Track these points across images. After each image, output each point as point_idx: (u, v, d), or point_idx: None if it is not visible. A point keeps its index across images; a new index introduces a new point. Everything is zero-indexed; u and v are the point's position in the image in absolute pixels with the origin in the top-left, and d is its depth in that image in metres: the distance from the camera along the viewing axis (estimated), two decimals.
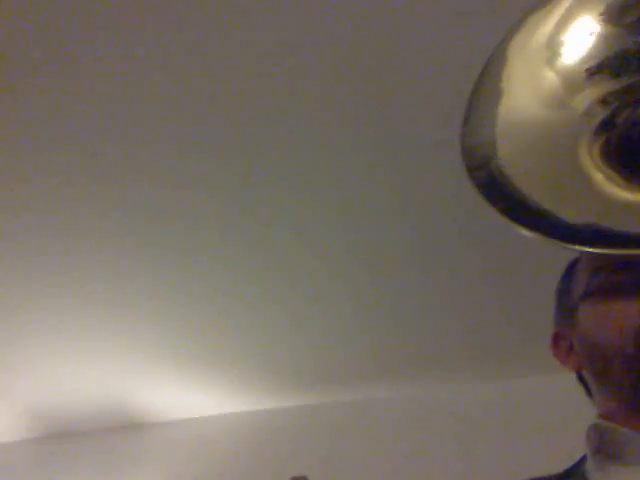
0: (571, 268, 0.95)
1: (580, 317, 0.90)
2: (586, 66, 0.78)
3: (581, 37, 0.78)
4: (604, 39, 0.78)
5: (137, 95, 1.78)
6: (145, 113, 1.83)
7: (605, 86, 0.78)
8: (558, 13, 0.79)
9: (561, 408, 2.20)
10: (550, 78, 0.79)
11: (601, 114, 0.77)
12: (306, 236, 2.24)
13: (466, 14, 1.57)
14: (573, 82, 0.78)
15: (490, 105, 0.79)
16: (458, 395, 2.90)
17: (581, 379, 0.94)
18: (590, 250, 0.72)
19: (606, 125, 0.76)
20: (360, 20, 1.60)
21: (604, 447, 0.85)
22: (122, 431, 3.21)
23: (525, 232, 0.70)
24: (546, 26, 0.79)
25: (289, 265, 2.36)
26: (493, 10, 1.54)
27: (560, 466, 0.93)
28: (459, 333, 2.64)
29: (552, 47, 0.79)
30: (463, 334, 2.65)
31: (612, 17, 0.77)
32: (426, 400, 2.95)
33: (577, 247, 0.72)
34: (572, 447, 0.94)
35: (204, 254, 2.31)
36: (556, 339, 0.96)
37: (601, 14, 0.78)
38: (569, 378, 0.97)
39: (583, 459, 0.90)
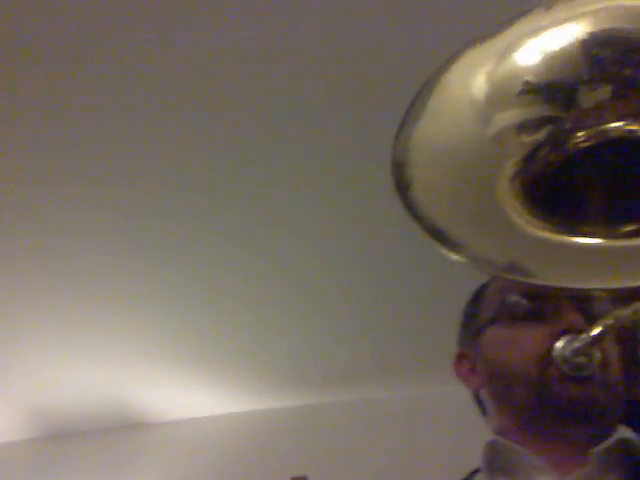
0: (478, 293, 0.99)
1: (485, 340, 0.93)
2: (525, 78, 0.76)
3: (532, 52, 0.77)
4: (553, 62, 0.76)
5: (138, 96, 1.78)
6: (146, 113, 1.83)
7: (529, 110, 0.77)
8: (522, 29, 0.78)
9: None
10: (482, 83, 0.77)
11: (516, 145, 0.75)
12: (306, 237, 2.24)
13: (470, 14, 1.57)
14: (505, 92, 0.77)
15: (413, 123, 0.78)
16: (458, 395, 2.89)
17: (477, 398, 1.00)
18: (507, 276, 0.72)
19: (526, 159, 0.76)
20: (360, 23, 1.60)
21: (498, 463, 0.90)
22: (122, 431, 3.21)
23: (451, 256, 0.71)
24: (502, 38, 0.78)
25: (289, 265, 2.36)
26: (497, 14, 1.54)
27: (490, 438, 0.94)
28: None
29: (504, 53, 0.78)
30: None
31: (573, 46, 0.76)
32: (426, 400, 2.95)
33: (497, 273, 0.73)
34: None
35: (204, 255, 2.31)
36: (459, 358, 1.01)
37: (565, 39, 0.76)
38: None
39: (475, 472, 0.96)
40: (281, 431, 3.06)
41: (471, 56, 0.79)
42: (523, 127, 0.77)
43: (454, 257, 0.70)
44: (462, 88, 0.78)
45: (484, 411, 0.98)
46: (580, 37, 0.76)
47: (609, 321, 0.72)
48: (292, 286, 2.45)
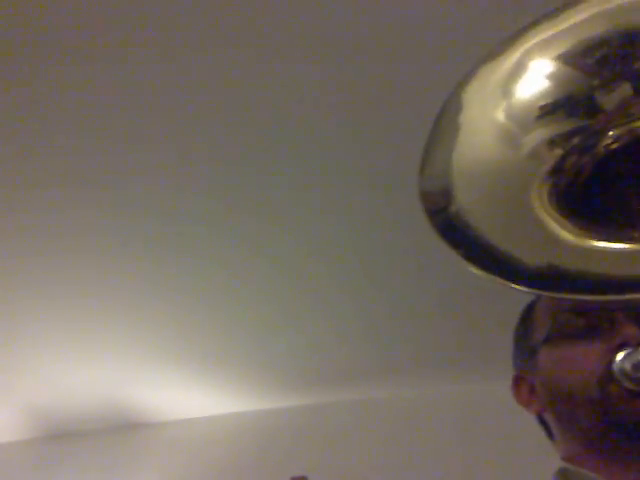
0: (528, 312, 0.95)
1: (541, 361, 0.90)
2: (539, 104, 0.78)
3: (537, 77, 0.78)
4: (559, 80, 0.78)
5: (138, 96, 1.78)
6: (146, 114, 1.83)
7: (555, 127, 0.78)
8: (514, 57, 0.79)
9: None
10: (503, 117, 0.79)
11: (550, 158, 0.76)
12: (306, 237, 2.24)
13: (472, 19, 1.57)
14: (525, 120, 0.78)
15: (446, 150, 0.78)
16: (458, 395, 2.90)
17: (542, 421, 0.94)
18: (551, 295, 0.72)
19: (555, 171, 0.76)
20: (362, 29, 1.60)
21: None
22: (122, 431, 3.21)
23: (487, 277, 0.70)
24: (502, 69, 0.80)
25: (289, 266, 2.36)
26: (499, 20, 1.54)
27: (559, 465, 0.92)
28: (459, 333, 2.64)
29: (507, 87, 0.79)
30: (463, 334, 2.65)
31: (569, 60, 0.78)
32: (426, 400, 2.95)
33: (538, 291, 0.72)
34: None
35: (204, 255, 2.31)
36: (517, 381, 0.96)
37: (558, 56, 0.78)
38: None
39: None
40: (281, 431, 3.06)
41: (480, 85, 0.80)
42: (553, 142, 0.77)
43: (495, 279, 0.69)
44: (483, 117, 0.79)
45: (551, 435, 0.93)
46: (577, 44, 0.77)
47: None
48: (292, 286, 2.45)
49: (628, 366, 0.77)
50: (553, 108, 0.78)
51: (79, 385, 2.94)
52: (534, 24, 0.79)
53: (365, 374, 2.92)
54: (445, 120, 0.80)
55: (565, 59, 0.78)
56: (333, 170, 2.01)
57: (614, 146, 0.76)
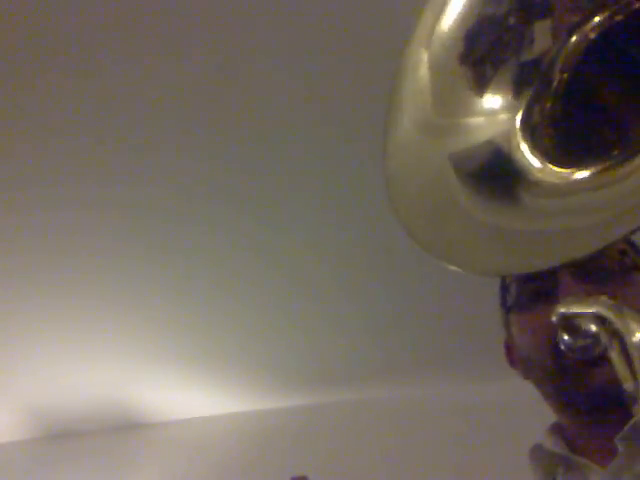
0: (504, 280, 0.93)
1: (511, 330, 0.90)
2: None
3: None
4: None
5: (140, 97, 1.78)
6: (147, 114, 1.83)
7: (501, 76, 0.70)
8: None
9: None
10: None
11: (517, 106, 0.69)
12: (307, 237, 2.24)
13: None
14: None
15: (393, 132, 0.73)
16: (458, 395, 2.90)
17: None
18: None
19: (528, 117, 0.69)
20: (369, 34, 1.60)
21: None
22: (122, 431, 3.21)
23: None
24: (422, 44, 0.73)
25: (289, 266, 2.36)
26: None
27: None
28: (459, 333, 2.64)
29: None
30: (463, 334, 2.65)
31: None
32: (426, 400, 2.95)
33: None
34: None
35: (205, 255, 2.31)
36: (506, 349, 0.95)
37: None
38: None
39: None
40: (281, 431, 3.06)
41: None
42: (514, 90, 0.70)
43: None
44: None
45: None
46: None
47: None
48: (292, 286, 2.45)
49: (572, 339, 0.70)
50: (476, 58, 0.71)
51: (79, 385, 2.94)
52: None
53: (365, 374, 2.92)
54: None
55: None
56: (334, 170, 2.01)
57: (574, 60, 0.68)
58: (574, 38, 0.68)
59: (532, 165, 0.67)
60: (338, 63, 1.71)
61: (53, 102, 1.79)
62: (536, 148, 0.67)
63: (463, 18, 0.71)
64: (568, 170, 0.64)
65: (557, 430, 0.87)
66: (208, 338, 2.69)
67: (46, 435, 3.27)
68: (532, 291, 0.84)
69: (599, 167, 0.62)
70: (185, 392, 3.05)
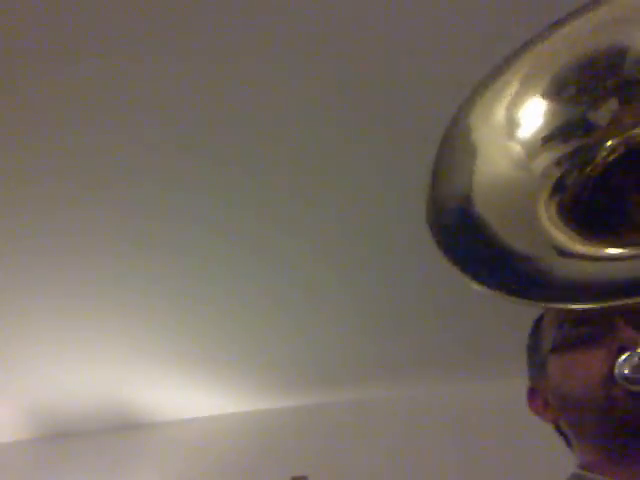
0: (537, 324, 0.98)
1: (550, 371, 0.92)
2: (541, 135, 0.90)
3: (532, 115, 0.91)
4: (551, 113, 0.91)
5: (140, 96, 1.78)
6: (147, 114, 1.83)
7: (558, 150, 0.89)
8: (508, 94, 0.91)
9: None
10: (513, 146, 0.91)
11: (554, 176, 0.87)
12: (307, 237, 2.24)
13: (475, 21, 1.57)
14: (531, 149, 0.90)
15: (464, 163, 0.90)
16: (458, 395, 2.90)
17: (559, 431, 0.96)
18: (556, 306, 0.78)
19: (558, 187, 0.86)
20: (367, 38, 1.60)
21: None
22: (122, 431, 3.21)
23: (484, 290, 0.80)
24: (500, 106, 0.92)
25: (289, 266, 2.36)
26: (500, 24, 1.54)
27: (559, 466, 0.93)
28: (459, 333, 2.64)
29: (510, 123, 0.92)
30: (463, 334, 2.65)
31: (553, 94, 0.90)
32: (426, 400, 2.95)
33: (543, 304, 0.79)
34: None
35: (205, 255, 2.31)
36: (531, 394, 0.98)
37: (544, 93, 0.90)
38: None
39: None
40: (281, 431, 3.06)
41: (484, 111, 0.92)
42: (559, 162, 0.89)
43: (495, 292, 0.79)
44: (494, 142, 0.91)
45: (568, 444, 0.95)
46: (553, 79, 0.90)
47: None
48: (292, 286, 2.45)
49: (628, 369, 0.79)
50: (552, 136, 0.90)
51: (79, 385, 2.94)
52: (516, 55, 0.91)
53: (365, 374, 2.92)
54: (457, 141, 0.91)
55: (549, 96, 0.90)
56: (334, 170, 2.01)
57: (612, 157, 0.85)
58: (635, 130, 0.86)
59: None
60: (338, 63, 1.71)
61: (53, 102, 1.79)
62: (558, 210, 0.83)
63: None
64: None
65: (580, 478, 0.89)
66: (208, 338, 2.69)
67: (46, 435, 3.27)
68: (586, 333, 0.88)
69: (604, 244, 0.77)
70: (185, 392, 3.05)
